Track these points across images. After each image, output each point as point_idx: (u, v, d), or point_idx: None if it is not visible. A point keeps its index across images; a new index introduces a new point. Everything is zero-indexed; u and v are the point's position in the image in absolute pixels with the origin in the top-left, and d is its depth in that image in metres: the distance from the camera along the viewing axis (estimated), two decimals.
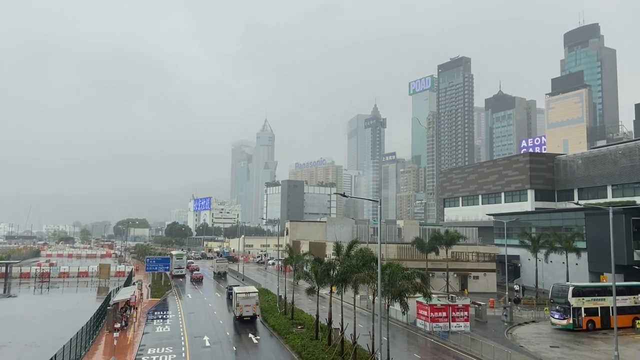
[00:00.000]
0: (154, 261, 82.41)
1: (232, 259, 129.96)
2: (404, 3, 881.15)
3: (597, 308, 46.05)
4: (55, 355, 28.22)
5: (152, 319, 50.70)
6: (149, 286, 74.75)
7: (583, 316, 45.44)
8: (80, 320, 40.00)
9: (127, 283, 71.72)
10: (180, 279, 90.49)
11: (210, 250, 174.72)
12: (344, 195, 36.52)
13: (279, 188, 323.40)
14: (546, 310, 52.84)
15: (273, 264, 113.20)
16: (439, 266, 70.81)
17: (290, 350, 36.96)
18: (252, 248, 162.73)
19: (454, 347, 39.06)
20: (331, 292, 39.23)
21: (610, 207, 37.15)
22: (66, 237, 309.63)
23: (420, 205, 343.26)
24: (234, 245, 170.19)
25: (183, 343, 40.08)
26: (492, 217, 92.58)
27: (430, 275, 67.11)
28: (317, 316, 40.33)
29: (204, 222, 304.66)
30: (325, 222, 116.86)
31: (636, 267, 56.36)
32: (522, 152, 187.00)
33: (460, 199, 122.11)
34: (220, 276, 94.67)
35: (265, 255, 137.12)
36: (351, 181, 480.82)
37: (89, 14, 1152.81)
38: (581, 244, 64.36)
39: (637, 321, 46.54)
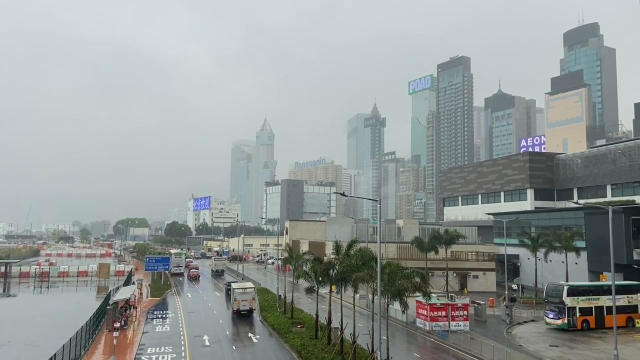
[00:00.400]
0: (154, 260, 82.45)
1: (238, 258, 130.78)
2: (403, 3, 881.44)
3: (592, 307, 45.90)
4: (55, 354, 28.23)
5: (152, 318, 50.73)
6: (149, 285, 74.80)
7: (578, 316, 45.26)
8: (79, 320, 40.01)
9: (127, 282, 71.75)
10: (180, 278, 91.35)
11: (209, 250, 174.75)
12: (343, 194, 36.54)
13: (278, 187, 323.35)
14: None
15: (273, 263, 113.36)
16: (439, 265, 70.81)
17: (290, 350, 36.99)
18: (252, 247, 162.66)
19: (453, 346, 39.10)
20: (331, 291, 39.25)
21: (609, 207, 37.16)
22: (66, 237, 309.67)
23: (420, 204, 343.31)
24: (234, 244, 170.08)
25: (183, 342, 40.11)
26: (491, 217, 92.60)
27: (430, 274, 67.09)
28: (317, 315, 40.35)
29: (204, 222, 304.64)
30: (324, 221, 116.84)
31: (636, 266, 56.37)
32: (521, 151, 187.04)
33: (460, 198, 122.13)
34: (218, 274, 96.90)
35: (264, 254, 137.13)
36: (351, 180, 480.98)
37: (89, 14, 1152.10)
38: (580, 243, 64.39)
39: (636, 320, 46.58)
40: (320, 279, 37.93)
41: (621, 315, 45.81)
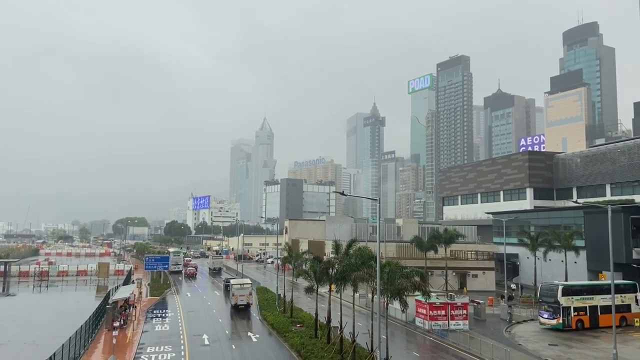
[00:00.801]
0: (153, 260, 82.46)
1: (244, 258, 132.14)
2: (403, 2, 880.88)
3: (586, 307, 45.55)
4: (55, 353, 28.23)
5: (151, 318, 50.74)
6: (148, 285, 74.78)
7: (572, 315, 44.93)
8: (79, 319, 40.03)
9: (126, 282, 71.75)
10: (179, 277, 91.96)
11: (209, 249, 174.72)
12: (343, 193, 36.51)
13: (278, 187, 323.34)
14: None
15: (272, 262, 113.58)
16: (438, 265, 70.86)
17: (290, 349, 37.00)
18: (252, 247, 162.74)
19: (452, 345, 39.13)
20: (330, 290, 39.27)
21: (609, 206, 37.11)
22: (65, 236, 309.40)
23: (420, 203, 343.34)
24: (233, 243, 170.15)
25: (182, 341, 40.13)
26: (491, 216, 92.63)
27: (429, 273, 67.18)
28: (316, 314, 40.37)
29: (203, 221, 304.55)
30: (324, 220, 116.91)
31: (635, 266, 56.39)
32: (521, 150, 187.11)
33: (459, 197, 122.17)
34: (215, 272, 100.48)
35: (264, 253, 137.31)
36: (350, 180, 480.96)
37: (89, 14, 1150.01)
38: (580, 243, 64.40)
39: (635, 320, 46.56)
40: (320, 278, 37.96)
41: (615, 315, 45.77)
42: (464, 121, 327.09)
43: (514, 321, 49.50)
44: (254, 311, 55.13)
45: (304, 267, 46.68)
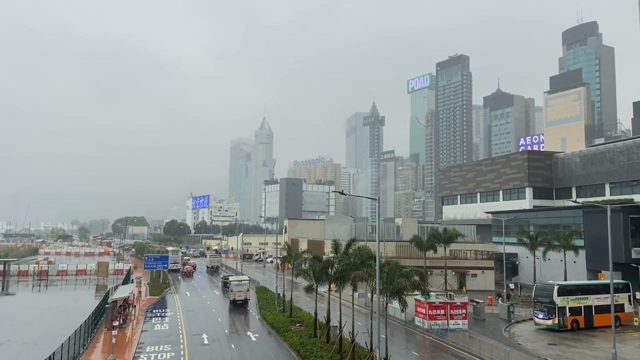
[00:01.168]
0: (153, 259, 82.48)
1: (249, 257, 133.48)
2: (402, 2, 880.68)
3: (581, 307, 45.18)
4: (54, 353, 28.22)
5: (151, 317, 50.74)
6: (148, 284, 74.75)
7: (568, 316, 44.53)
8: (78, 318, 40.03)
9: (126, 281, 71.70)
10: (178, 276, 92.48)
11: (208, 248, 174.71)
12: (342, 193, 36.50)
13: (277, 186, 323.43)
14: None
15: (271, 261, 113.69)
16: (437, 264, 70.87)
17: (289, 348, 37.02)
18: (251, 246, 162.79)
19: (452, 344, 39.15)
20: (330, 290, 39.27)
21: (608, 205, 37.10)
22: (64, 235, 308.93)
23: (419, 203, 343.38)
24: (233, 243, 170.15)
25: (182, 341, 40.13)
26: (490, 215, 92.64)
27: (429, 273, 67.17)
28: (316, 314, 40.37)
29: (203, 220, 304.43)
30: (323, 220, 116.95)
31: (634, 265, 56.46)
32: (520, 150, 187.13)
33: (459, 197, 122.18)
34: (213, 270, 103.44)
35: (263, 253, 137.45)
36: (349, 179, 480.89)
37: (89, 13, 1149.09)
38: (579, 242, 64.45)
39: (634, 319, 46.56)
40: (319, 277, 37.97)
41: (608, 315, 45.25)
42: (464, 121, 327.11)
43: (513, 320, 49.54)
44: (254, 310, 55.18)
45: (303, 266, 46.71)
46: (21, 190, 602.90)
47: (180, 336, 41.89)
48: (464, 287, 71.10)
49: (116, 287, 61.63)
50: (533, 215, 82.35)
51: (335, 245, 40.20)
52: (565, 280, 58.46)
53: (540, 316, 45.60)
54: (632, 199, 76.42)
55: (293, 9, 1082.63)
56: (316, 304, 41.61)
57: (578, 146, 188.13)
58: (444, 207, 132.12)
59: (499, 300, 58.63)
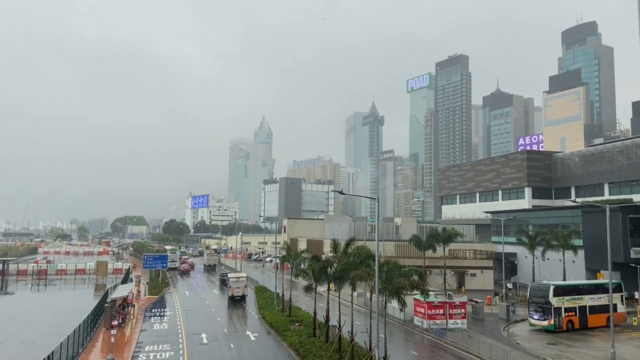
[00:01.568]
0: (152, 258, 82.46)
1: (257, 259, 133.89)
2: (402, 2, 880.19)
3: (576, 307, 44.74)
4: (53, 352, 28.20)
5: (150, 316, 50.74)
6: (147, 283, 74.73)
7: (563, 316, 44.02)
8: (77, 318, 40.00)
9: (125, 280, 71.72)
10: (177, 275, 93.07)
11: (207, 248, 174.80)
12: (341, 192, 36.49)
13: (276, 185, 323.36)
14: None
15: (271, 261, 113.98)
16: (437, 264, 70.90)
17: (288, 348, 37.03)
18: (250, 245, 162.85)
19: (451, 344, 39.17)
20: (329, 289, 39.27)
21: (607, 205, 37.10)
22: (63, 235, 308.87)
23: (418, 202, 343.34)
24: (232, 242, 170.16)
25: (181, 340, 40.13)
26: (489, 215, 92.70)
27: (428, 272, 67.19)
28: (315, 313, 40.39)
29: (202, 220, 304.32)
30: (323, 219, 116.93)
31: (633, 265, 56.53)
32: (519, 150, 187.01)
33: (458, 196, 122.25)
34: (210, 268, 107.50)
35: (262, 252, 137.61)
36: (349, 179, 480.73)
37: (88, 13, 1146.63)
38: (578, 242, 64.50)
39: (634, 319, 46.59)
40: (318, 277, 37.96)
41: (602, 315, 45.14)
42: (463, 120, 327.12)
43: (513, 319, 49.56)
44: (253, 310, 55.19)
45: (302, 266, 46.73)
46: (19, 188, 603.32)
47: (179, 335, 41.88)
48: (463, 287, 71.15)
49: (115, 286, 61.63)
50: (532, 215, 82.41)
51: (335, 245, 40.18)
52: (564, 280, 58.52)
53: (536, 317, 45.05)
54: (631, 199, 76.47)
55: (292, 9, 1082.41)
56: (315, 303, 41.61)
57: (577, 146, 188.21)
58: (443, 206, 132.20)
59: (497, 300, 58.71)
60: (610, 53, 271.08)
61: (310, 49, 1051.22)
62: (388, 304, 39.58)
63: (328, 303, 38.46)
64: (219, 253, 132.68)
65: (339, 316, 34.82)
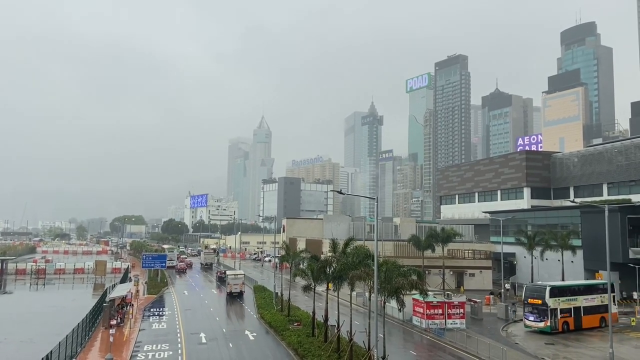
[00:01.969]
0: (151, 258, 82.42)
1: (255, 259, 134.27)
2: (401, 2, 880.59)
3: (571, 308, 44.47)
4: (51, 351, 28.17)
5: (149, 316, 50.71)
6: (145, 283, 74.71)
7: (559, 317, 43.63)
8: (76, 317, 39.96)
9: (124, 280, 71.69)
10: (176, 274, 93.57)
11: (206, 247, 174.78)
12: (340, 192, 36.51)
13: (275, 185, 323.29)
14: None
15: (270, 261, 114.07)
16: (435, 263, 70.90)
17: (287, 347, 37.03)
18: (249, 245, 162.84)
19: (449, 344, 39.20)
20: (328, 289, 39.29)
21: (605, 205, 37.15)
22: (62, 234, 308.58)
23: (417, 202, 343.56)
24: (231, 242, 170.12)
25: (179, 340, 40.11)
26: (488, 215, 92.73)
27: (427, 272, 67.24)
28: (314, 313, 40.40)
29: (201, 219, 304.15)
30: (322, 219, 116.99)
31: (631, 265, 56.60)
32: (518, 150, 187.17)
33: (457, 196, 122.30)
34: (207, 267, 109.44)
35: (262, 252, 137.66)
36: (348, 178, 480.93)
37: (88, 13, 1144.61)
38: (577, 242, 64.56)
39: (632, 319, 46.59)
40: (317, 276, 37.96)
41: (595, 316, 45.15)
42: (462, 120, 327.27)
43: (512, 319, 49.60)
44: (252, 309, 55.18)
45: (301, 265, 46.73)
46: (18, 187, 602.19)
47: (178, 335, 41.87)
48: (461, 287, 71.20)
49: (114, 285, 61.62)
50: (531, 215, 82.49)
51: (334, 245, 40.19)
52: (563, 280, 58.59)
53: (531, 318, 44.49)
54: (630, 199, 76.54)
55: (292, 9, 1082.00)
56: (314, 303, 41.62)
57: (576, 146, 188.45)
58: (442, 206, 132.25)
59: (496, 300, 58.77)
60: (610, 53, 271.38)
61: (310, 49, 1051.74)
62: (387, 303, 39.70)
63: (327, 303, 38.46)
64: (217, 253, 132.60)
65: (338, 316, 34.84)
